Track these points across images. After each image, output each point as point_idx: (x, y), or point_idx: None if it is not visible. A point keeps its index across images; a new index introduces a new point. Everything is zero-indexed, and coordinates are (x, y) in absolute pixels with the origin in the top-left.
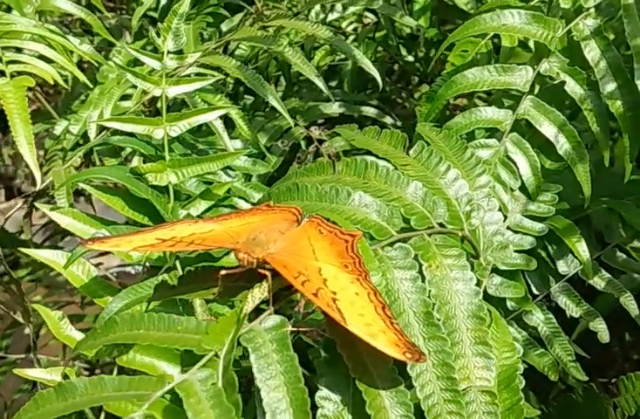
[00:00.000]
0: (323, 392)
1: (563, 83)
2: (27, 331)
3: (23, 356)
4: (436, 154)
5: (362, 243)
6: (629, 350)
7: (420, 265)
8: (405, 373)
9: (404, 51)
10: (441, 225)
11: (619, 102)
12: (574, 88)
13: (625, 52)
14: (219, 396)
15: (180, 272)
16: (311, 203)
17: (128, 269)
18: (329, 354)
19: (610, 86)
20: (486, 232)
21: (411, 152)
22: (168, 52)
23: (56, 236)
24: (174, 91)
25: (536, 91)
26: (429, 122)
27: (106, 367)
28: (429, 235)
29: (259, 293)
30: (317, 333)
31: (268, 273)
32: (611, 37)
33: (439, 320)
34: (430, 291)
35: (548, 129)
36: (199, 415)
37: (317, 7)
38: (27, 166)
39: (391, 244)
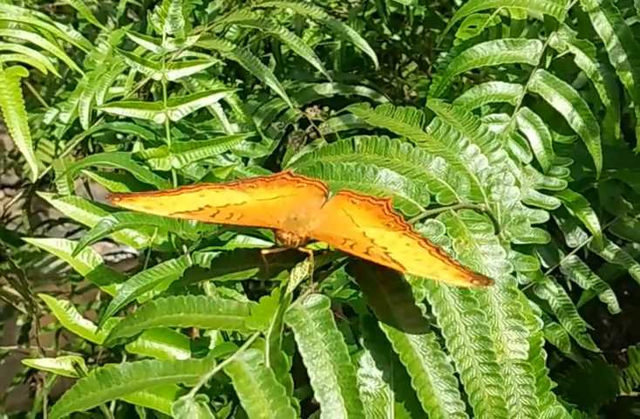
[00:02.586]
0: (363, 369)
1: (572, 56)
2: (19, 322)
3: (15, 347)
4: (454, 130)
5: None
6: (619, 321)
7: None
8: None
9: (388, 31)
10: None
11: (629, 73)
12: (583, 60)
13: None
14: (268, 376)
15: (189, 258)
16: (337, 182)
17: (110, 257)
18: (368, 332)
19: (621, 58)
20: (504, 207)
21: (427, 128)
22: (167, 36)
23: (39, 226)
24: (174, 74)
25: (547, 64)
26: (438, 98)
27: (98, 355)
28: (455, 210)
29: (300, 272)
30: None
31: (310, 252)
32: None
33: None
34: None
35: (559, 103)
36: (249, 395)
37: None
38: (10, 155)
39: (422, 221)
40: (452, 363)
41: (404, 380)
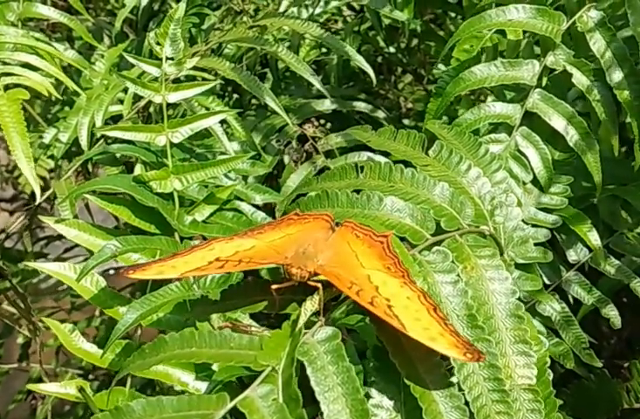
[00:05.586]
0: (374, 399)
1: (569, 75)
2: (19, 340)
3: (15, 366)
4: (456, 154)
5: (400, 248)
6: (620, 331)
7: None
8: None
9: (383, 44)
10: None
11: (626, 91)
12: (580, 79)
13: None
14: (282, 412)
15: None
16: (343, 210)
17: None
18: (378, 362)
19: (617, 76)
20: (507, 228)
21: (430, 152)
22: (167, 58)
23: (36, 242)
24: (174, 97)
25: (544, 83)
26: (437, 120)
27: (98, 371)
28: (460, 235)
29: (311, 305)
30: None
31: (319, 285)
32: None
33: None
34: (468, 292)
35: (557, 121)
36: None
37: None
38: (5, 170)
39: (429, 248)
40: (460, 389)
41: (415, 410)
